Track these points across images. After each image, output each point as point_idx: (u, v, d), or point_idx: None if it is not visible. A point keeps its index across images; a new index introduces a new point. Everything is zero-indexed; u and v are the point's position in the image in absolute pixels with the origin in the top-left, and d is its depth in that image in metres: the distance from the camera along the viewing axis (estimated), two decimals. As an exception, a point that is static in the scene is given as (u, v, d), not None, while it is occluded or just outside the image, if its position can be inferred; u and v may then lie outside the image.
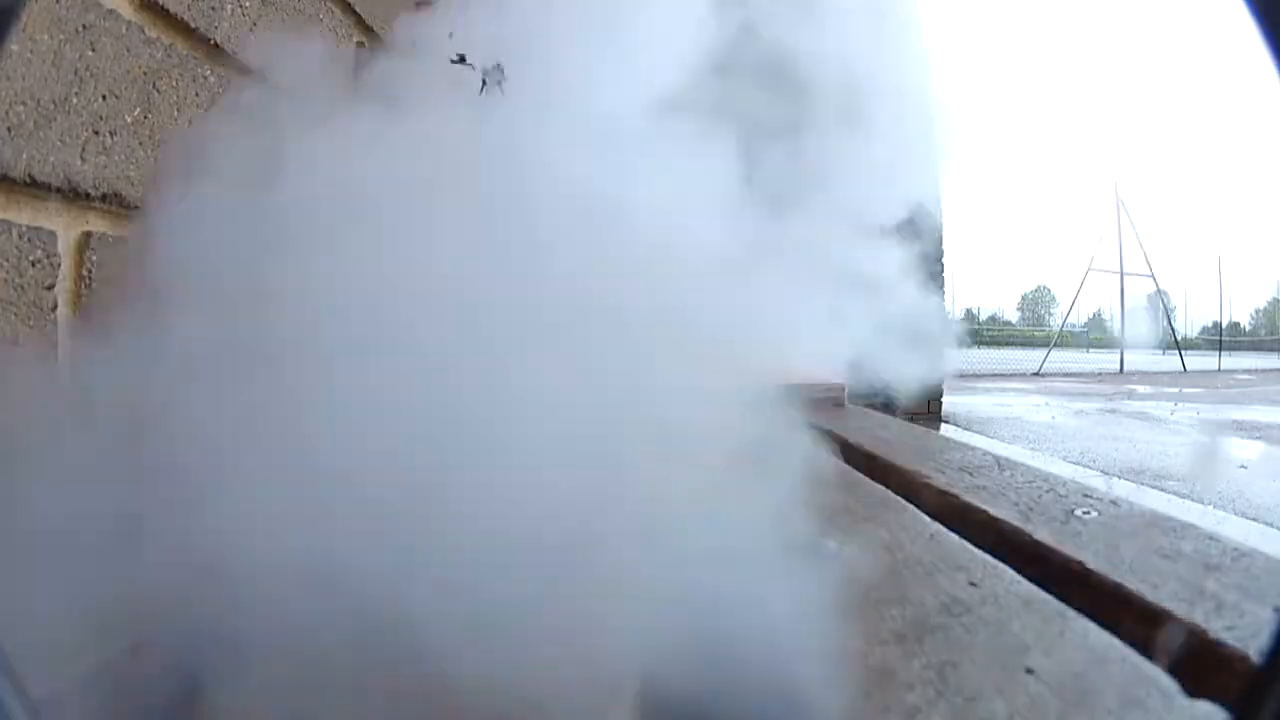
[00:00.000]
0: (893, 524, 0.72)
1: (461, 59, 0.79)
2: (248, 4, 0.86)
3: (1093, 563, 0.60)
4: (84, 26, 0.63)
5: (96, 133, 0.64)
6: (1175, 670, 0.43)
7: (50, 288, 0.61)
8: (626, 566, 0.41)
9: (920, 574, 0.59)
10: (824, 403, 1.61)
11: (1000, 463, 1.00)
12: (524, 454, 0.43)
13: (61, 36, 0.60)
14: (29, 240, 0.59)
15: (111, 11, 0.66)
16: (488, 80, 0.85)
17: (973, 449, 1.10)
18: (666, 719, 0.38)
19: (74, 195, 0.62)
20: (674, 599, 0.40)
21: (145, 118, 0.70)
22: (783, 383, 1.73)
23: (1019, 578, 0.57)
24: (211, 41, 0.80)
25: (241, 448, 0.43)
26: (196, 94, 0.78)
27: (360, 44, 1.18)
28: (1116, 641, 0.47)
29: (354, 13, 1.14)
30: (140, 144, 0.70)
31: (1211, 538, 0.69)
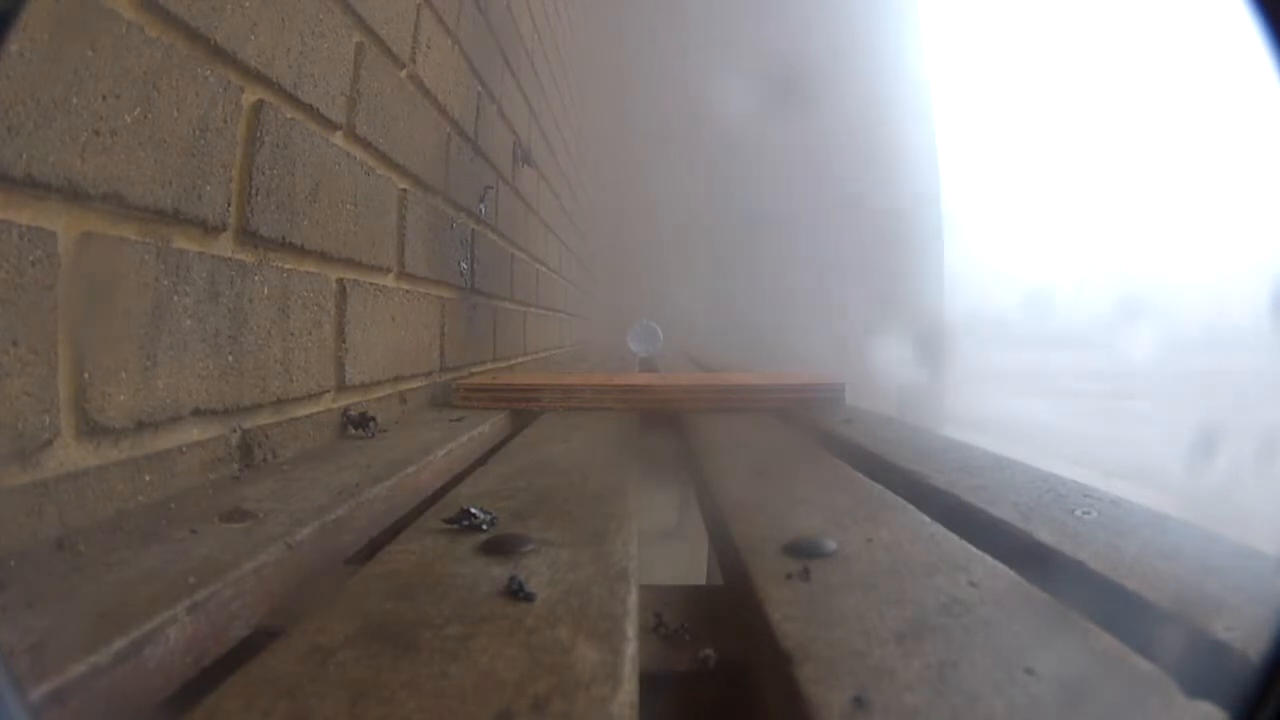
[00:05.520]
0: (893, 524, 0.72)
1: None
2: (248, 4, 0.86)
3: (1093, 563, 0.60)
4: (84, 26, 0.63)
5: (97, 133, 0.64)
6: (1175, 671, 0.43)
7: (50, 288, 0.61)
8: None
9: (920, 574, 0.58)
10: (824, 402, 1.60)
11: (1000, 463, 1.00)
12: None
13: (62, 36, 0.60)
14: (29, 240, 0.59)
15: (111, 11, 0.66)
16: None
17: (972, 448, 1.10)
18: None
19: (74, 195, 0.62)
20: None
21: (145, 118, 0.70)
22: (785, 382, 1.74)
23: (1019, 578, 0.57)
24: (211, 41, 0.80)
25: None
26: (196, 94, 0.78)
27: (360, 44, 1.18)
28: (1116, 642, 0.47)
29: (354, 13, 1.14)
30: (140, 144, 0.70)
31: (1212, 537, 0.69)
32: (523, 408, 1.55)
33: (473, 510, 0.70)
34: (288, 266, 0.98)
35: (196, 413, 0.80)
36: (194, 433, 0.80)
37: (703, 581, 1.07)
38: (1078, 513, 0.75)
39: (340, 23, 1.11)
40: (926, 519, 0.74)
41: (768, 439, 1.34)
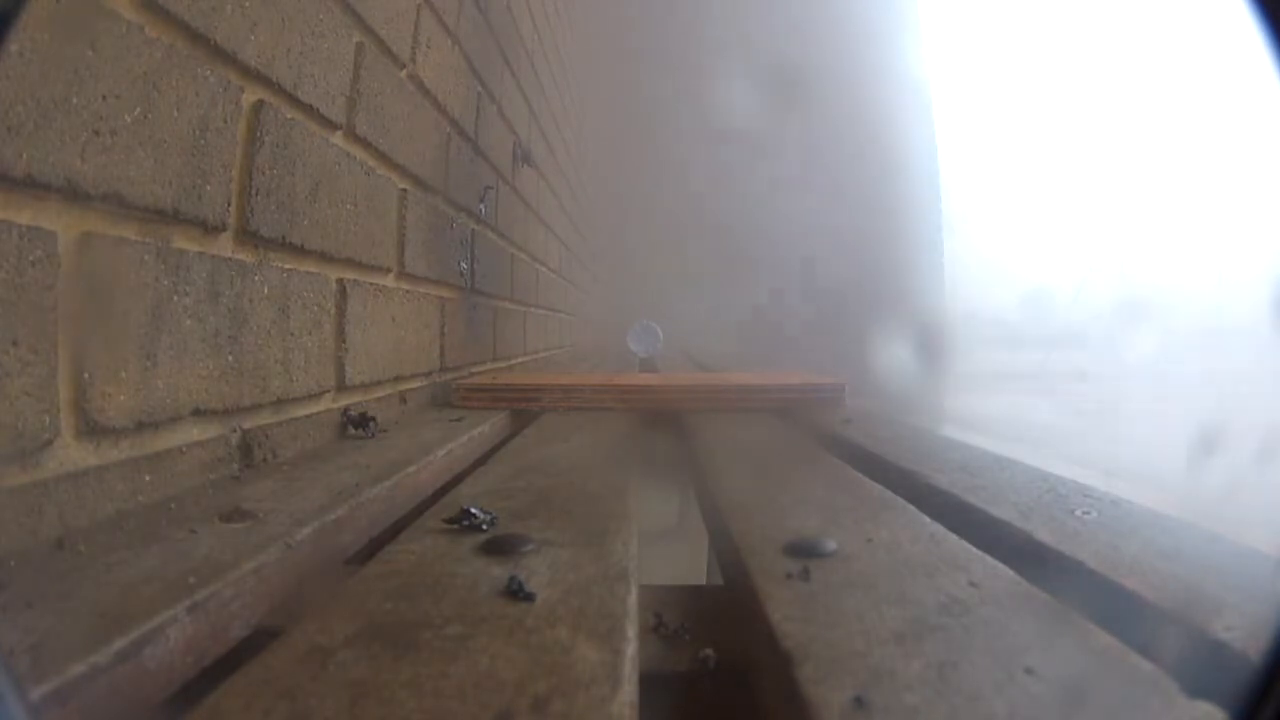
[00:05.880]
0: (892, 523, 0.72)
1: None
2: (248, 4, 0.86)
3: (1093, 563, 0.60)
4: (84, 26, 0.63)
5: (97, 133, 0.64)
6: (1175, 671, 0.43)
7: (50, 288, 0.61)
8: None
9: (920, 574, 0.58)
10: (825, 402, 1.60)
11: (1000, 462, 1.00)
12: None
13: (62, 36, 0.60)
14: (29, 240, 0.59)
15: (111, 11, 0.66)
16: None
17: (972, 448, 1.10)
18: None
19: (74, 195, 0.62)
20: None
21: (145, 118, 0.70)
22: (785, 382, 1.74)
23: (1019, 578, 0.57)
24: (211, 41, 0.80)
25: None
26: (196, 94, 0.78)
27: (360, 44, 1.18)
28: (1116, 641, 0.47)
29: (354, 13, 1.14)
30: (140, 144, 0.70)
31: (1212, 537, 0.69)
32: (523, 408, 1.55)
33: (473, 510, 0.70)
34: (288, 266, 0.98)
35: (196, 413, 0.80)
36: (194, 433, 0.80)
37: (703, 581, 1.07)
38: (1078, 513, 0.75)
39: (340, 23, 1.11)
40: (926, 519, 0.74)
41: (767, 439, 1.34)
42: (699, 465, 1.07)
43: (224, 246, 0.85)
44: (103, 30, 0.65)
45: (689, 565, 1.28)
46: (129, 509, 0.70)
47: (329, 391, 1.11)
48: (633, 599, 0.53)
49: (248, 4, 0.86)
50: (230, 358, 0.86)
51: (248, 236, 0.89)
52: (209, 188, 0.81)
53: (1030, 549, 0.66)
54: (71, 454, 0.64)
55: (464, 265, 1.81)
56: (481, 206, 1.97)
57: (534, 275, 2.92)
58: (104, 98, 0.65)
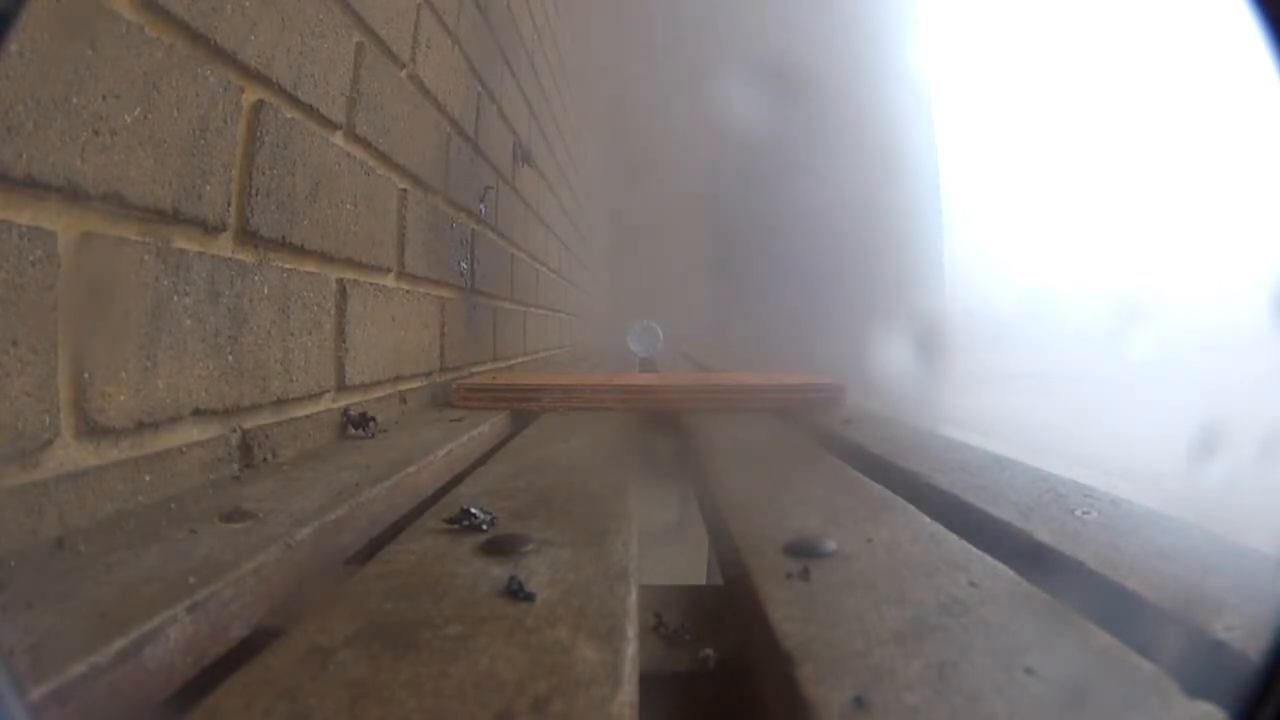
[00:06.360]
0: (892, 523, 0.72)
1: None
2: (248, 4, 0.86)
3: (1093, 563, 0.60)
4: (84, 26, 0.63)
5: (96, 133, 0.64)
6: (1175, 671, 0.43)
7: (50, 288, 0.61)
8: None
9: (920, 574, 0.58)
10: (824, 402, 1.60)
11: (1000, 462, 1.00)
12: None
13: (62, 36, 0.60)
14: (29, 240, 0.59)
15: (111, 11, 0.66)
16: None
17: (972, 448, 1.10)
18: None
19: (74, 195, 0.62)
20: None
21: (145, 118, 0.70)
22: (785, 382, 1.74)
23: (1019, 578, 0.57)
24: (211, 41, 0.80)
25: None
26: (196, 94, 0.78)
27: (360, 44, 1.18)
28: (1116, 642, 0.47)
29: (354, 13, 1.14)
30: (140, 144, 0.70)
31: (1212, 537, 0.69)
32: (523, 408, 1.55)
33: (473, 510, 0.70)
34: (288, 266, 0.98)
35: (196, 413, 0.80)
36: (194, 433, 0.80)
37: (703, 581, 1.07)
38: (1078, 513, 0.75)
39: (340, 23, 1.11)
40: (926, 519, 0.74)
41: (767, 439, 1.34)
42: (699, 465, 1.07)
43: (224, 246, 0.85)
44: (103, 30, 0.65)
45: (689, 565, 1.28)
46: (129, 509, 0.70)
47: (329, 391, 1.11)
48: (633, 599, 0.53)
49: (248, 4, 0.86)
50: (230, 358, 0.86)
51: (248, 236, 0.89)
52: (209, 188, 0.81)
53: (1030, 549, 0.66)
54: (71, 454, 0.64)
55: (464, 265, 1.81)
56: (481, 206, 1.97)
57: (534, 275, 2.92)
58: (104, 98, 0.65)
